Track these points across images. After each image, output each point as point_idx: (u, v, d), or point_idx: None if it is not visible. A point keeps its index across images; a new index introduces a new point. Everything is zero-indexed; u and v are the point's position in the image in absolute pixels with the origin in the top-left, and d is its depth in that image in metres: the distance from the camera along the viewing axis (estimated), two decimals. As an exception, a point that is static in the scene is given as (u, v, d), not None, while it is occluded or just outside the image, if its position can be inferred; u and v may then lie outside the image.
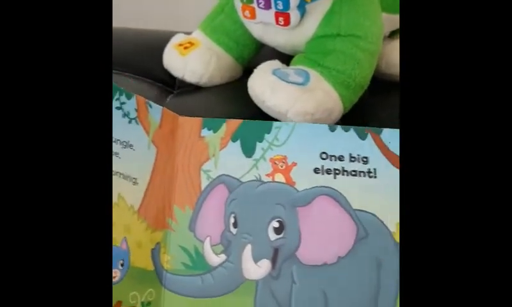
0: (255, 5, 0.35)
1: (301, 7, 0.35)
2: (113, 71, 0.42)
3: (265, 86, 0.33)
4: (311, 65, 0.35)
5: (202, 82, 0.40)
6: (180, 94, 0.42)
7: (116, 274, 0.25)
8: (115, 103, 0.28)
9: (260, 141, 0.31)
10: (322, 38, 0.36)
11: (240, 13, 0.37)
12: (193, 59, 0.40)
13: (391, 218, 0.29)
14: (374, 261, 0.28)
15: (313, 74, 0.34)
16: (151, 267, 0.27)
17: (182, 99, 0.40)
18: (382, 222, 0.29)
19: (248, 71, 0.40)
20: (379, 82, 0.38)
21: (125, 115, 0.29)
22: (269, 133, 0.31)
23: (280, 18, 0.35)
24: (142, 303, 0.25)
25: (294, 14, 0.35)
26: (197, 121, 0.32)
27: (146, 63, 0.44)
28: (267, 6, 0.35)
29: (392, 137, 0.31)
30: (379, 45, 0.37)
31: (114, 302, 0.24)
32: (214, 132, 0.31)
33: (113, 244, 0.25)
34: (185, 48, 0.40)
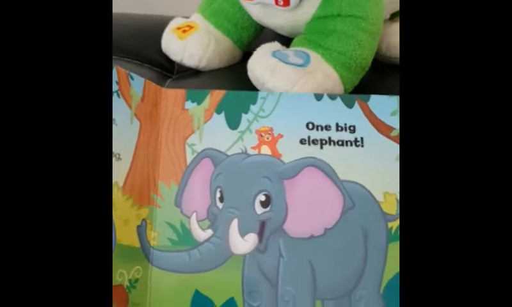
0: None
1: None
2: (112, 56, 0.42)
3: (265, 67, 0.32)
4: (311, 47, 0.34)
5: (201, 65, 0.39)
6: (178, 79, 0.41)
7: None
8: None
9: (246, 112, 0.30)
10: (322, 19, 0.35)
11: None
12: (192, 43, 0.39)
13: (378, 187, 0.29)
14: (360, 231, 0.28)
15: (314, 55, 0.33)
16: (137, 244, 0.27)
17: (181, 83, 0.40)
18: (369, 191, 0.28)
19: (247, 55, 0.39)
20: (380, 64, 0.38)
21: None
22: (254, 104, 0.30)
23: None
24: (129, 281, 0.26)
25: None
26: (181, 92, 0.31)
27: (145, 48, 0.44)
28: None
29: (379, 103, 0.30)
30: (380, 26, 0.36)
31: None
32: (198, 104, 0.31)
33: None
34: (184, 31, 0.40)
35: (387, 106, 0.30)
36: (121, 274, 0.25)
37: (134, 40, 0.45)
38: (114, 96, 0.28)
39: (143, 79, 0.30)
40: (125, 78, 0.29)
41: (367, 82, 0.36)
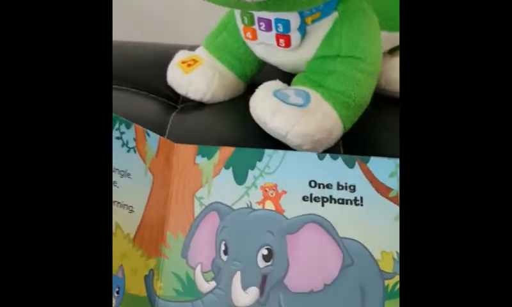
0: (256, 27, 0.36)
1: (302, 29, 0.36)
2: (118, 87, 0.44)
3: (267, 108, 0.33)
4: (312, 86, 0.36)
5: (205, 99, 0.41)
6: (183, 110, 0.43)
7: (112, 302, 0.26)
8: (115, 133, 0.29)
9: (252, 169, 0.32)
10: (322, 59, 0.37)
11: (242, 34, 0.38)
12: (196, 77, 0.40)
13: (376, 245, 0.30)
14: (358, 288, 0.29)
15: (314, 95, 0.35)
16: (144, 293, 0.28)
17: (186, 115, 0.41)
18: (367, 249, 0.30)
19: (250, 86, 0.42)
20: (379, 98, 0.39)
21: (124, 144, 0.30)
22: (260, 161, 0.32)
23: (281, 40, 0.36)
24: None
25: (294, 36, 0.36)
26: (192, 148, 0.33)
27: (151, 79, 0.45)
28: (268, 29, 0.35)
29: (378, 165, 0.32)
30: (379, 65, 0.37)
31: None
32: (208, 159, 0.33)
33: None
34: (189, 65, 0.41)
35: (386, 168, 0.32)
36: None
37: (141, 71, 0.46)
38: (131, 152, 0.30)
39: (158, 136, 0.32)
40: (141, 134, 0.31)
41: (367, 116, 0.37)
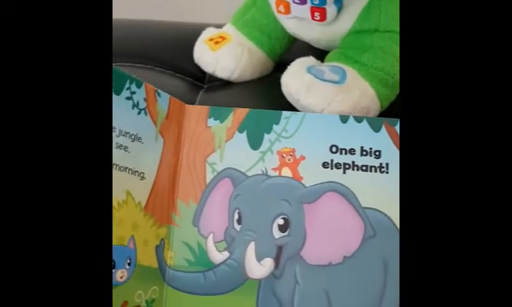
0: (290, 0, 0.34)
1: (338, 2, 0.33)
2: (143, 65, 0.44)
3: (300, 84, 0.32)
4: (347, 62, 0.34)
5: (233, 77, 0.39)
6: (210, 89, 0.41)
7: (124, 273, 0.25)
8: (125, 93, 0.27)
9: (268, 132, 0.30)
10: (359, 34, 0.35)
11: (274, 8, 0.36)
12: (224, 55, 0.39)
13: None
14: (380, 262, 0.27)
15: (350, 72, 0.33)
16: (155, 265, 0.27)
17: (213, 95, 0.40)
18: (391, 220, 0.27)
19: (278, 65, 0.40)
20: None
21: (135, 105, 0.28)
22: (277, 123, 0.30)
23: (316, 13, 0.34)
24: (146, 301, 0.26)
25: (330, 9, 0.34)
26: (204, 109, 0.31)
27: (177, 58, 0.44)
28: (303, 1, 0.33)
29: (408, 129, 0.29)
30: None
31: (120, 302, 0.25)
32: (221, 121, 0.30)
33: (121, 243, 0.25)
34: (216, 42, 0.39)
35: (416, 131, 0.29)
36: (139, 296, 0.26)
37: (167, 50, 0.45)
38: (142, 114, 0.28)
39: (168, 96, 0.30)
40: (152, 95, 0.29)
41: None
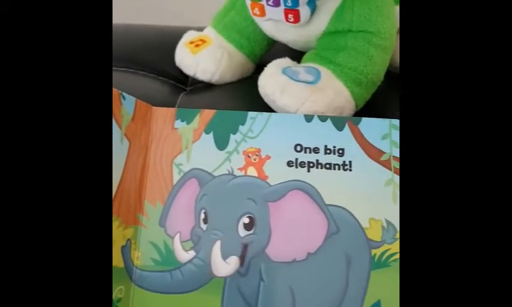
0: (264, 2, 0.34)
1: (311, 3, 0.34)
2: (127, 69, 0.44)
3: (275, 85, 0.32)
4: (322, 62, 0.34)
5: (214, 79, 0.40)
6: (192, 92, 0.42)
7: None
8: None
9: (234, 133, 0.30)
10: (333, 34, 0.35)
11: (250, 11, 0.37)
12: (204, 58, 0.39)
13: (364, 213, 0.28)
14: (343, 257, 0.28)
15: (325, 72, 0.33)
16: (121, 264, 0.27)
17: (195, 97, 0.40)
18: (354, 217, 0.28)
19: (259, 66, 0.40)
20: (394, 76, 0.37)
21: None
22: (243, 124, 0.30)
23: (290, 15, 0.34)
24: (113, 301, 0.26)
25: (303, 10, 0.34)
26: (171, 111, 0.31)
27: (160, 61, 0.44)
28: (276, 3, 0.34)
29: (370, 126, 0.30)
30: (392, 40, 0.36)
31: None
32: (188, 123, 0.31)
33: None
34: (197, 46, 0.40)
35: (378, 129, 0.30)
36: None
37: (150, 53, 0.46)
38: (105, 119, 0.28)
39: (134, 99, 0.30)
40: (117, 98, 0.29)
41: (380, 95, 0.36)
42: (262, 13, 0.35)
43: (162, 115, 0.31)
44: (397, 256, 0.28)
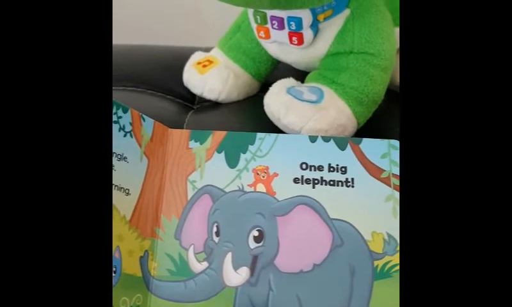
0: (269, 26, 0.36)
1: (314, 27, 0.36)
2: (135, 88, 0.46)
3: (280, 104, 0.34)
4: (325, 82, 0.36)
5: (220, 98, 0.42)
6: (199, 110, 0.44)
7: None
8: (113, 118, 0.30)
9: (244, 152, 0.33)
10: (335, 56, 0.37)
11: (255, 33, 0.39)
12: (212, 78, 0.41)
13: (366, 226, 0.30)
14: (347, 268, 0.29)
15: (327, 91, 0.35)
16: (139, 274, 0.29)
17: (202, 115, 0.42)
18: (357, 230, 0.30)
19: (264, 85, 0.43)
20: (393, 94, 0.39)
21: (121, 129, 0.31)
22: (252, 144, 0.33)
23: (294, 38, 0.36)
24: None
25: (307, 33, 0.36)
26: (185, 133, 0.34)
27: (168, 80, 0.46)
28: (281, 27, 0.36)
29: (370, 146, 0.32)
30: (392, 61, 0.37)
31: None
32: (201, 143, 0.33)
33: None
34: (204, 66, 0.42)
35: (378, 149, 0.32)
36: (124, 302, 0.28)
37: (158, 73, 0.48)
38: (128, 137, 0.31)
39: (152, 121, 0.33)
40: (137, 119, 0.32)
41: (381, 112, 0.37)
42: (267, 36, 0.38)
43: (177, 136, 0.33)
44: (398, 267, 0.29)
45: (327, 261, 0.29)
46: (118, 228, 0.29)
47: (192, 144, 0.33)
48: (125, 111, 0.31)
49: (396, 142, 0.32)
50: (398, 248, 0.29)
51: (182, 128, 0.40)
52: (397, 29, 0.38)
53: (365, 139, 0.32)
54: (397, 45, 0.39)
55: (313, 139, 0.32)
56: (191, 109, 0.45)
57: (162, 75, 0.47)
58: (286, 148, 0.32)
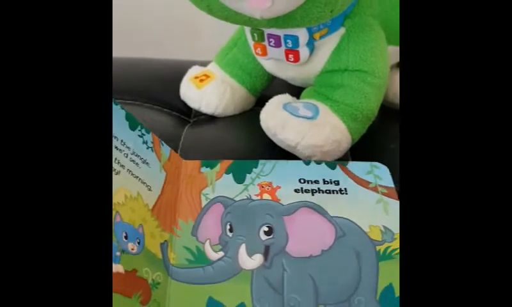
0: (266, 43, 0.38)
1: (310, 44, 0.37)
2: (133, 102, 0.46)
3: (277, 120, 0.35)
4: (320, 99, 0.37)
5: (217, 112, 0.43)
6: (196, 124, 0.44)
7: (134, 247, 0.28)
8: (137, 133, 0.34)
9: (249, 173, 0.37)
10: (330, 73, 0.38)
11: (252, 50, 0.40)
12: (208, 92, 0.42)
13: (363, 221, 0.34)
14: (353, 252, 0.32)
15: (322, 108, 0.36)
16: (160, 256, 0.30)
17: (198, 129, 0.43)
18: (356, 224, 0.34)
19: (260, 100, 0.43)
20: (387, 111, 0.41)
21: (145, 142, 0.34)
22: (256, 167, 0.38)
23: (290, 55, 0.38)
24: (153, 280, 0.28)
25: (303, 51, 0.37)
26: (197, 162, 0.38)
27: (164, 93, 0.47)
28: (278, 44, 0.37)
29: (356, 166, 0.38)
30: (386, 79, 0.39)
31: (130, 268, 0.27)
32: (211, 168, 0.38)
33: (133, 224, 0.29)
34: (201, 80, 0.43)
35: (363, 168, 0.38)
36: (146, 272, 0.28)
37: (155, 87, 0.48)
38: (149, 150, 0.35)
39: (169, 149, 0.38)
40: (157, 142, 0.36)
41: (375, 128, 0.39)
42: (264, 53, 0.39)
43: (190, 164, 0.38)
44: (398, 251, 0.32)
45: (333, 247, 0.32)
46: (142, 212, 0.31)
47: (203, 169, 0.38)
48: (147, 132, 0.36)
49: (378, 164, 0.38)
50: (395, 236, 0.33)
51: (179, 141, 0.41)
52: (391, 48, 0.40)
53: (350, 162, 0.38)
54: (391, 63, 0.40)
55: (307, 162, 0.38)
56: (187, 122, 0.45)
57: (159, 88, 0.47)
58: (285, 169, 0.38)
